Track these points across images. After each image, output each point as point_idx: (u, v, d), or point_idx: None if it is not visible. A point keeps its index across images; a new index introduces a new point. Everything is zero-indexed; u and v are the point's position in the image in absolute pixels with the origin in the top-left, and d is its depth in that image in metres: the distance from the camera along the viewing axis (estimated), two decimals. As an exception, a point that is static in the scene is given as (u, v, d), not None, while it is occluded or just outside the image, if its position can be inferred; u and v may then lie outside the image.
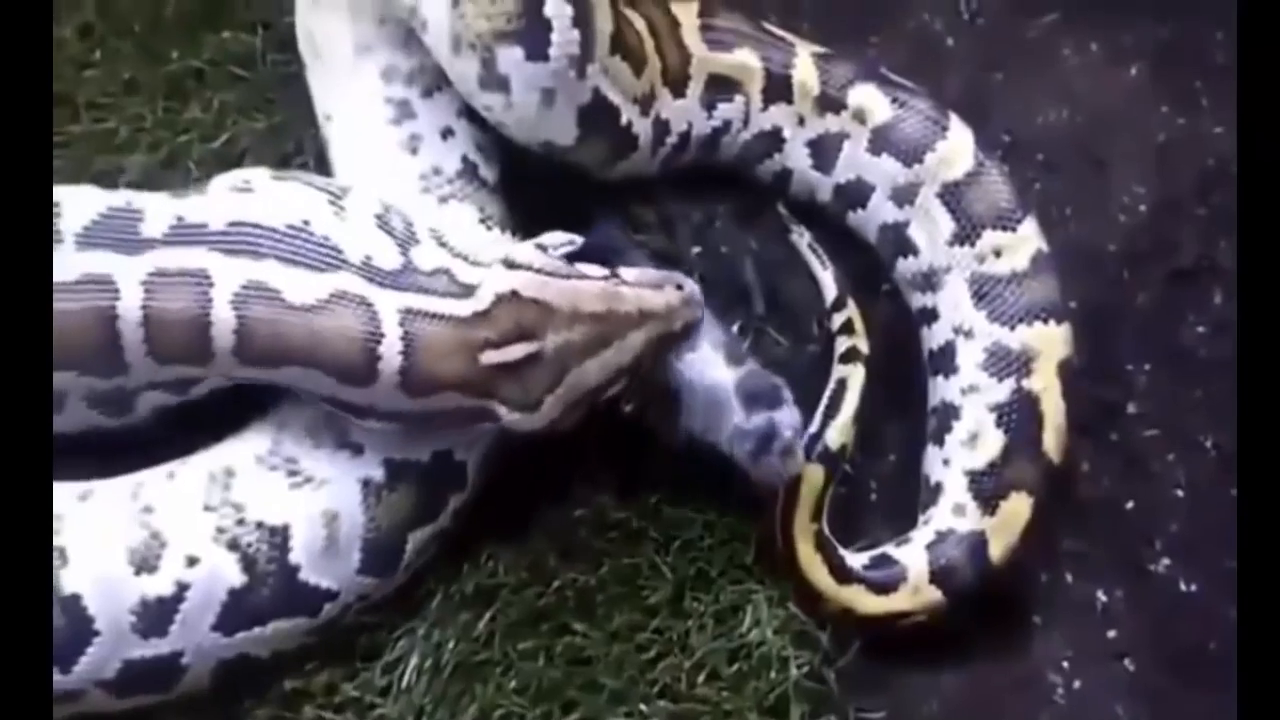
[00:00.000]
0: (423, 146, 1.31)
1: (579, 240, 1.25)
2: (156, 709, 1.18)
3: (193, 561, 1.16)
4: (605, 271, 1.21)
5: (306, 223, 1.16)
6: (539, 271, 1.18)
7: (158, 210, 1.15)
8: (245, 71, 1.42)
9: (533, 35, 1.24)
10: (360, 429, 1.20)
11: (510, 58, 1.25)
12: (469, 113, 1.33)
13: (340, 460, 1.21)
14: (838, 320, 1.44)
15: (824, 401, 1.38)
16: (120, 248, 1.13)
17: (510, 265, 1.18)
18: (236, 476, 1.20)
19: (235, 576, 1.17)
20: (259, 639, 1.18)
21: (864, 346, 1.41)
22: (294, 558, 1.18)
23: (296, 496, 1.19)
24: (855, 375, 1.39)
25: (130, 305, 1.12)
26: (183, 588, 1.15)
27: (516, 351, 1.15)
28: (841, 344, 1.42)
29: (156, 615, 1.14)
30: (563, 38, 1.25)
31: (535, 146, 1.34)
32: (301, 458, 1.21)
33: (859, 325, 1.43)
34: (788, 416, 1.26)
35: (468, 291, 1.16)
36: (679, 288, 1.21)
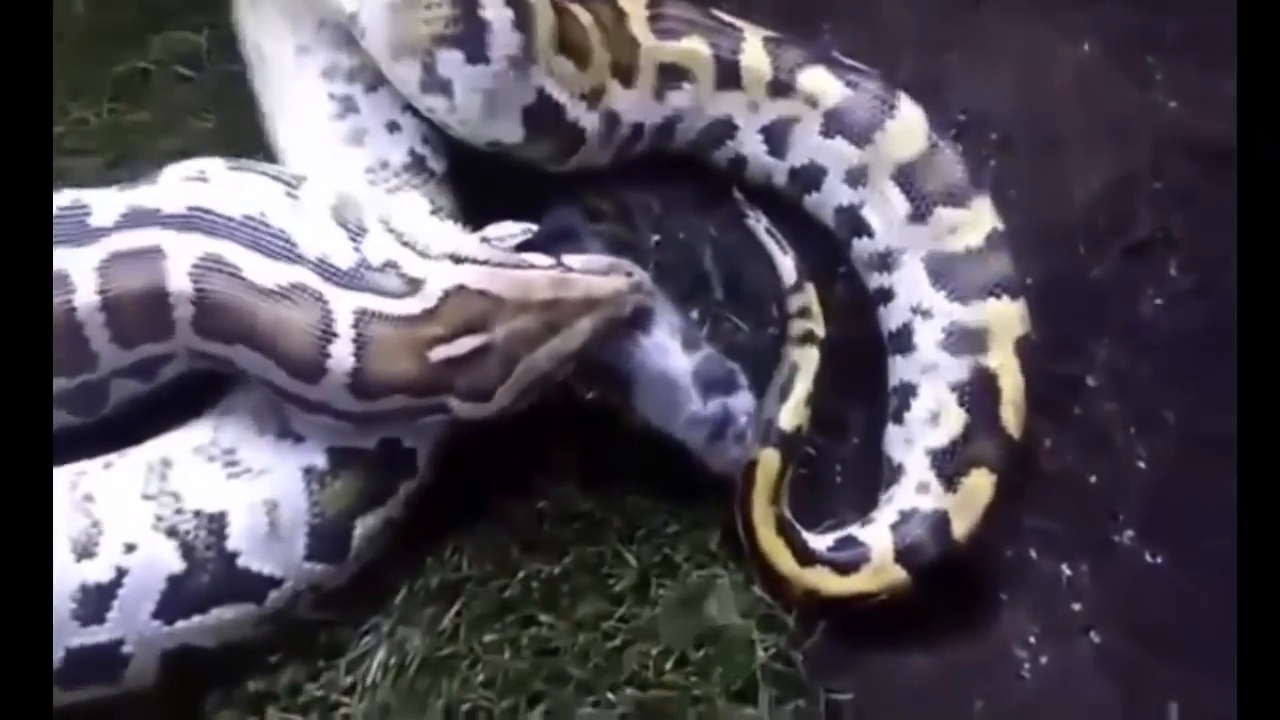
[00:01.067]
0: (368, 140, 1.30)
1: (532, 228, 1.23)
2: (116, 711, 1.16)
3: (130, 548, 1.14)
4: (552, 260, 1.20)
5: (263, 214, 1.15)
6: (485, 263, 1.17)
7: (106, 202, 1.14)
8: (191, 72, 1.40)
9: (472, 38, 1.23)
10: (306, 422, 1.19)
11: (451, 61, 1.24)
12: (414, 107, 1.30)
13: (281, 450, 1.19)
14: (794, 304, 1.43)
15: (777, 385, 1.36)
16: (70, 242, 1.11)
17: (457, 260, 1.17)
18: (174, 467, 1.18)
19: (174, 563, 1.15)
20: (202, 628, 1.16)
21: (819, 329, 1.40)
22: (232, 544, 1.16)
23: (234, 485, 1.18)
24: (808, 358, 1.38)
25: (87, 295, 1.11)
26: (121, 573, 1.13)
27: (466, 345, 1.14)
28: (796, 327, 1.41)
29: (95, 602, 1.12)
30: (502, 39, 1.24)
31: (482, 145, 1.32)
32: (240, 448, 1.20)
33: (815, 308, 1.42)
34: (743, 402, 1.26)
35: (415, 287, 1.15)
36: (627, 274, 1.20)
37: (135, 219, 1.13)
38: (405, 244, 1.17)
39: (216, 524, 1.16)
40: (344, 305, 1.12)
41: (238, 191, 1.16)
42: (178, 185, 1.16)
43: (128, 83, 1.35)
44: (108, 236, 1.12)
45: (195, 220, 1.13)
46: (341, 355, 1.12)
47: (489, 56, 1.24)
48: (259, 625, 1.18)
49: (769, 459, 1.32)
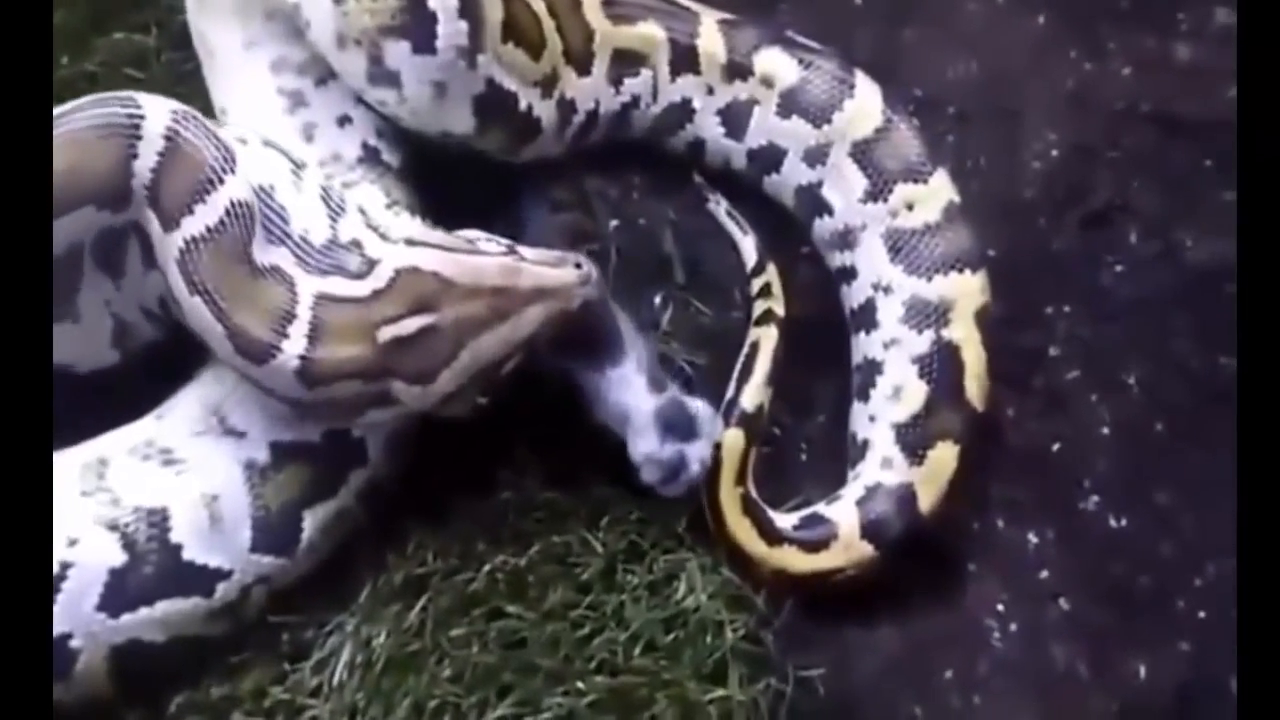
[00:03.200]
0: (319, 134, 1.23)
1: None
2: (79, 714, 1.09)
3: (73, 542, 1.09)
4: (505, 246, 1.15)
5: (272, 188, 1.12)
6: (438, 247, 1.12)
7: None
8: (139, 73, 1.32)
9: (418, 28, 1.16)
10: (248, 416, 1.14)
11: (397, 52, 1.17)
12: (365, 103, 1.23)
13: (220, 447, 1.14)
14: (756, 285, 1.37)
15: (738, 365, 1.31)
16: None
17: (411, 242, 1.12)
18: (110, 465, 1.13)
19: (114, 556, 1.09)
20: (149, 621, 1.10)
21: (779, 308, 1.34)
22: (175, 537, 1.11)
23: (173, 481, 1.12)
24: (767, 337, 1.32)
25: (154, 132, 1.06)
26: (65, 567, 1.08)
27: (413, 325, 1.09)
28: (758, 308, 1.35)
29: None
30: (449, 29, 1.17)
31: (435, 137, 1.25)
32: (178, 447, 1.14)
33: (776, 289, 1.36)
34: (699, 450, 1.21)
35: (370, 267, 1.10)
36: (578, 266, 1.14)
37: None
38: (370, 226, 1.14)
39: (157, 518, 1.11)
40: (307, 289, 1.08)
41: (262, 161, 1.13)
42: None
43: (74, 88, 1.26)
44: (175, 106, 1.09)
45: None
46: (295, 340, 1.07)
47: (436, 46, 1.17)
48: (211, 620, 1.12)
49: (733, 439, 1.26)
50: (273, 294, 1.08)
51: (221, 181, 1.08)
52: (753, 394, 1.29)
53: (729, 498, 1.25)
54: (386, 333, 1.09)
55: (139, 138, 1.07)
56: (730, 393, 1.30)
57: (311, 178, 1.16)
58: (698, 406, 1.23)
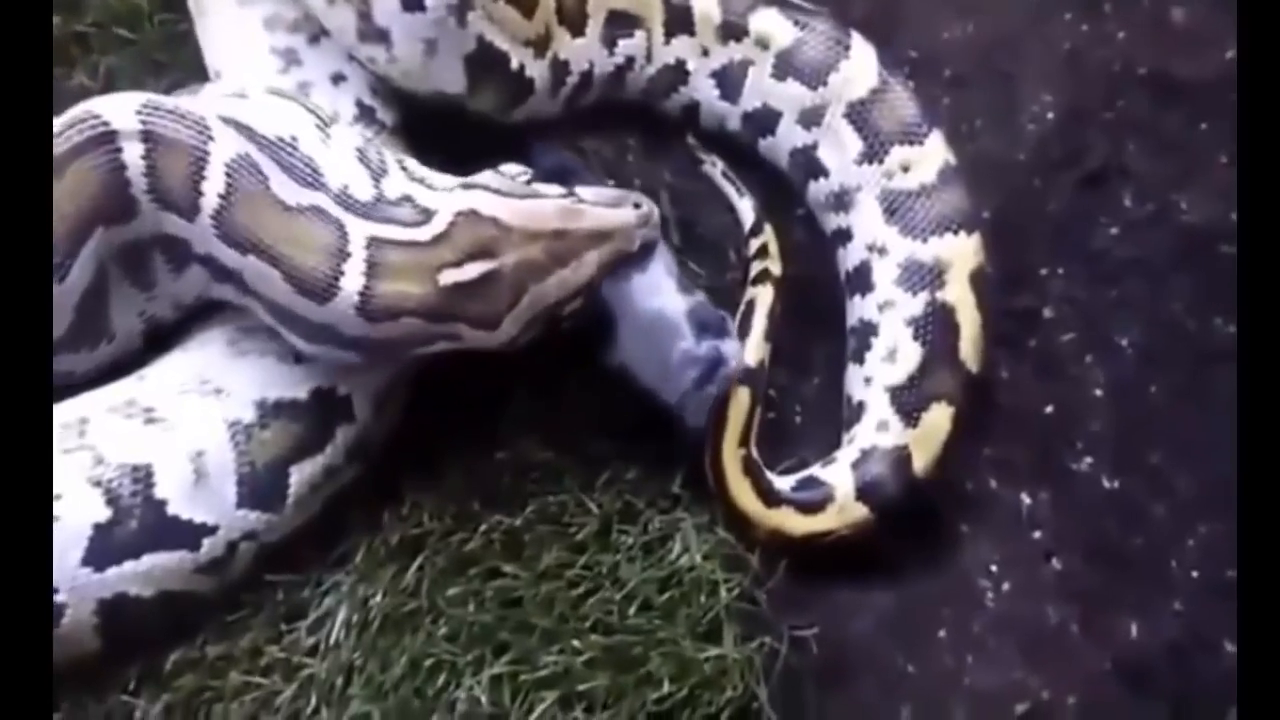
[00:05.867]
0: (313, 92, 1.22)
1: (530, 172, 1.17)
2: (74, 677, 1.09)
3: (57, 497, 1.07)
4: (563, 190, 1.14)
5: (294, 139, 1.11)
6: (496, 191, 1.12)
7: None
8: (132, 34, 1.30)
9: None
10: (307, 353, 1.12)
11: (386, 8, 1.15)
12: (358, 61, 1.21)
13: (204, 404, 1.13)
14: (753, 245, 1.35)
15: (735, 324, 1.28)
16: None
17: (468, 186, 1.12)
18: (90, 423, 1.11)
19: (99, 510, 1.08)
20: (135, 575, 1.09)
21: (775, 268, 1.33)
22: (160, 493, 1.10)
23: (157, 438, 1.11)
24: (763, 295, 1.31)
25: (131, 142, 1.05)
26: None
27: (474, 270, 1.09)
28: (754, 268, 1.33)
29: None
30: None
31: (427, 97, 1.23)
32: (160, 406, 1.13)
33: (773, 249, 1.35)
34: (733, 347, 1.20)
35: (427, 216, 1.10)
36: (637, 206, 1.14)
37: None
38: (416, 179, 1.13)
39: (141, 473, 1.10)
40: (359, 231, 1.08)
41: (274, 113, 1.12)
42: (218, 98, 1.11)
43: (65, 49, 1.24)
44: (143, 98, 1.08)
45: (233, 125, 1.08)
46: (353, 276, 1.07)
47: (425, 4, 1.15)
48: (199, 575, 1.11)
49: (741, 396, 1.24)
50: (319, 231, 1.07)
51: (209, 151, 1.07)
52: (754, 350, 1.28)
53: (731, 457, 1.24)
54: (448, 277, 1.09)
55: (118, 148, 1.06)
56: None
57: (343, 136, 1.14)
58: (725, 313, 1.22)
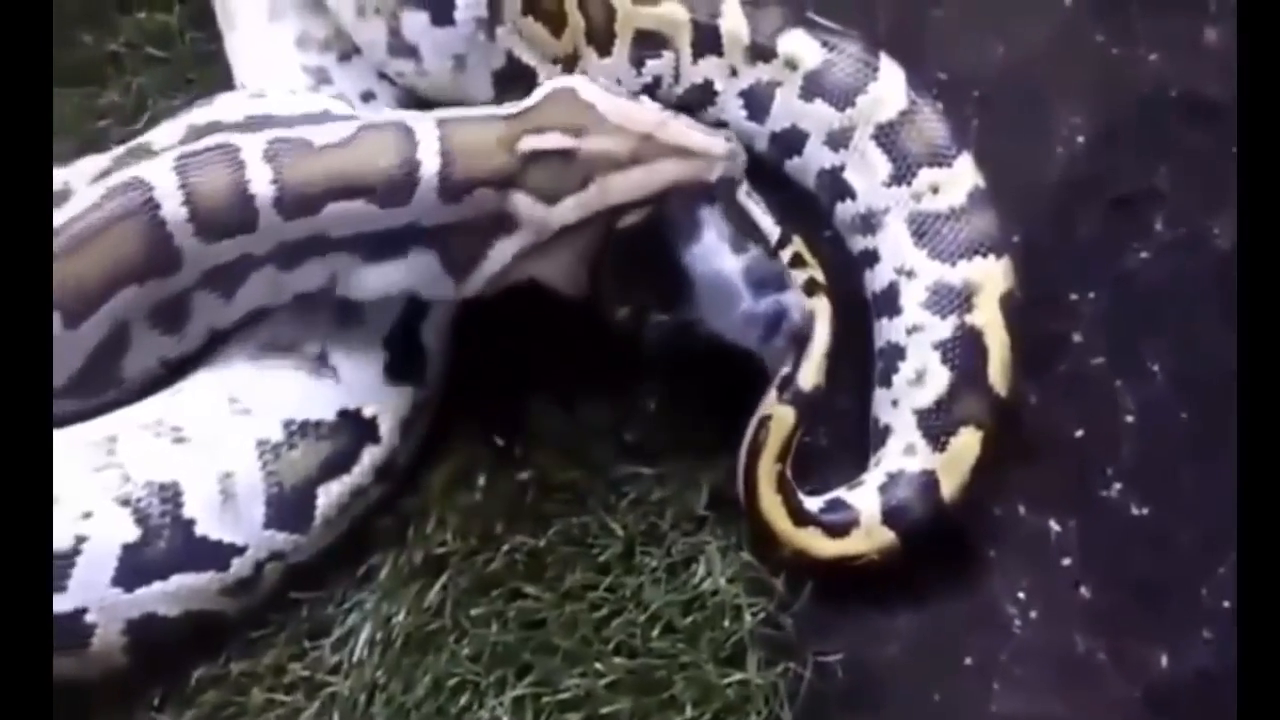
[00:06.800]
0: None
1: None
2: (97, 693, 1.10)
3: (88, 514, 1.09)
4: (661, 106, 1.17)
5: (326, 111, 1.14)
6: (604, 87, 1.16)
7: (165, 131, 1.12)
8: (163, 52, 1.32)
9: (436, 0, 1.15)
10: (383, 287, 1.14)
11: (415, 23, 1.16)
12: (387, 78, 1.24)
13: (232, 424, 1.14)
14: (786, 256, 1.31)
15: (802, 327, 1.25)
16: (138, 159, 1.09)
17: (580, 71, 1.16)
18: (119, 442, 1.12)
19: (129, 531, 1.09)
20: (163, 595, 1.10)
21: (820, 275, 1.29)
22: (188, 513, 1.10)
23: (184, 457, 1.12)
24: (821, 308, 1.27)
25: (167, 190, 1.06)
26: (80, 540, 1.08)
27: (553, 140, 1.11)
28: (798, 278, 1.29)
29: (56, 569, 1.06)
30: (469, 1, 1.15)
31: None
32: (188, 425, 1.14)
33: (809, 256, 1.31)
34: (794, 298, 1.21)
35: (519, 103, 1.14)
36: (728, 139, 1.16)
37: (197, 133, 1.10)
38: None
39: (170, 493, 1.10)
40: (425, 119, 1.11)
41: (297, 102, 1.14)
42: (234, 102, 1.14)
43: (98, 67, 1.27)
44: (175, 149, 1.08)
45: (256, 122, 1.11)
46: (429, 157, 1.10)
47: (454, 18, 1.16)
48: (225, 595, 1.12)
49: (783, 415, 1.23)
50: (380, 138, 1.09)
51: (242, 160, 1.07)
52: (810, 372, 1.24)
53: (767, 472, 1.23)
54: (528, 142, 1.11)
55: (158, 207, 1.07)
56: (786, 367, 1.24)
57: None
58: (783, 265, 1.23)
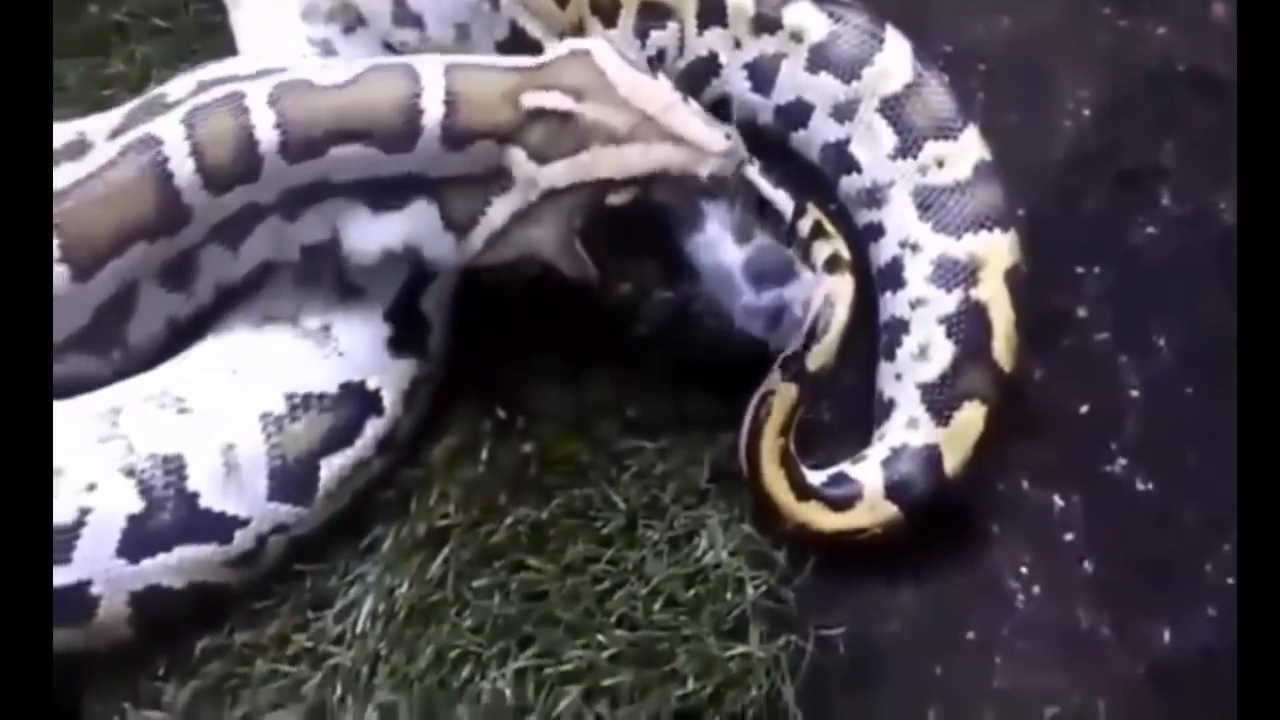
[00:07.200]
0: None
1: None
2: (101, 662, 1.11)
3: (92, 486, 1.09)
4: (676, 89, 1.14)
5: (326, 66, 1.14)
6: (620, 54, 1.14)
7: (179, 84, 1.12)
8: (167, 22, 1.32)
9: None
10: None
11: None
12: (392, 47, 1.23)
13: (236, 396, 1.14)
14: (804, 227, 1.29)
15: (809, 318, 1.22)
16: (152, 116, 1.08)
17: (603, 36, 1.16)
18: (123, 413, 1.12)
19: (133, 502, 1.09)
20: (167, 567, 1.10)
21: (844, 250, 1.25)
22: (192, 485, 1.11)
23: (188, 429, 1.12)
24: (844, 288, 1.23)
25: (176, 144, 1.06)
26: (84, 512, 1.08)
27: (556, 100, 1.10)
28: (820, 251, 1.26)
29: (60, 542, 1.07)
30: None
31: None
32: (192, 396, 1.14)
33: (830, 227, 1.28)
34: (798, 290, 1.19)
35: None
36: (728, 138, 1.14)
37: (209, 84, 1.10)
38: None
39: (174, 465, 1.11)
40: (433, 64, 1.10)
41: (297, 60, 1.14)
42: (248, 61, 1.14)
43: (103, 37, 1.26)
44: (186, 103, 1.08)
45: (269, 72, 1.10)
46: (433, 105, 1.09)
47: None
48: (229, 567, 1.13)
49: (787, 392, 1.22)
50: (386, 80, 1.08)
51: (247, 108, 1.07)
52: (819, 354, 1.22)
53: (770, 447, 1.22)
54: (531, 98, 1.10)
55: (167, 161, 1.07)
56: (794, 342, 1.22)
57: None
58: (792, 254, 1.21)
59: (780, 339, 1.19)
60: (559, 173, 1.11)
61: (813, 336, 1.22)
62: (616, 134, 1.10)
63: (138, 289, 1.13)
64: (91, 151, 1.08)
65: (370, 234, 1.14)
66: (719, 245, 1.18)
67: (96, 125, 1.13)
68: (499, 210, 1.13)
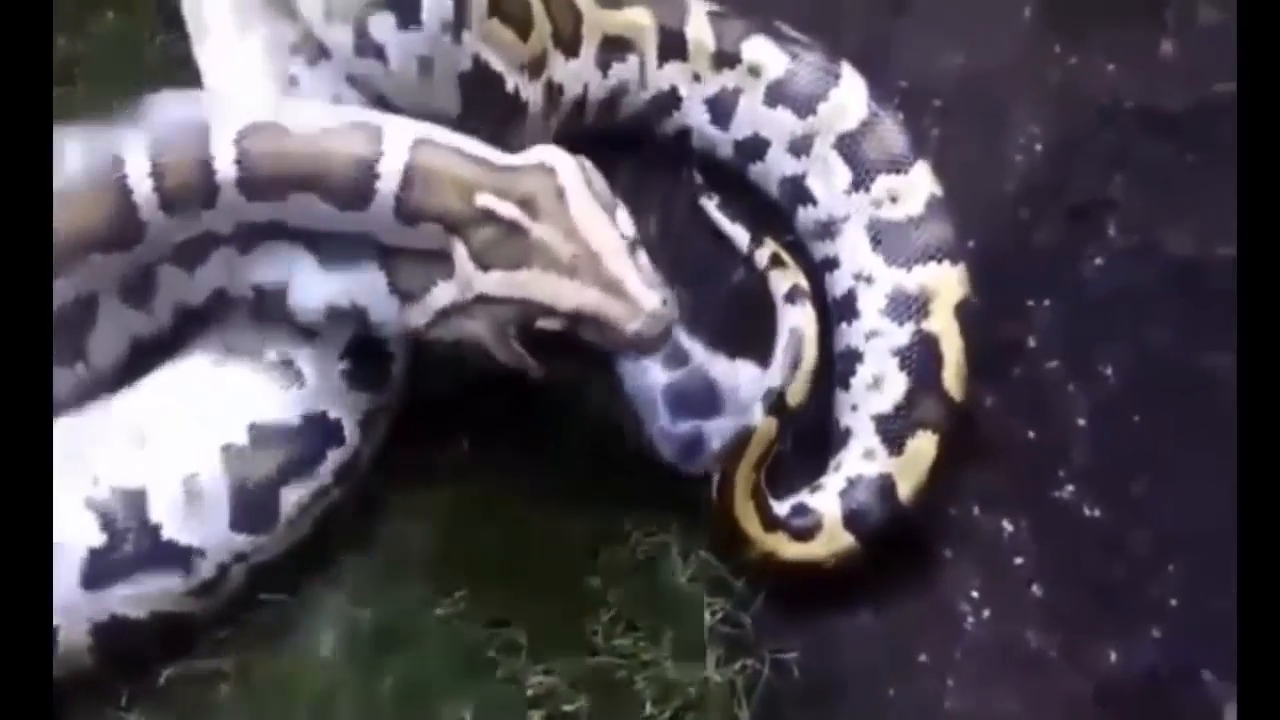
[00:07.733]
0: None
1: None
2: (67, 695, 1.10)
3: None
4: (633, 236, 1.12)
5: (297, 110, 1.13)
6: (590, 185, 1.12)
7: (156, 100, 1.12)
8: (133, 55, 1.33)
9: (404, 2, 1.15)
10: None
11: (382, 25, 1.16)
12: (354, 80, 1.23)
13: (195, 425, 1.15)
14: (763, 257, 1.36)
15: (779, 353, 1.27)
16: (120, 128, 1.10)
17: (573, 155, 1.12)
18: (85, 444, 1.13)
19: (94, 535, 1.10)
20: (129, 598, 1.11)
21: (802, 280, 1.32)
22: (154, 517, 1.11)
23: (150, 460, 1.13)
24: (808, 323, 1.29)
25: (138, 162, 1.08)
26: None
27: (508, 210, 1.09)
28: (778, 281, 1.32)
29: None
30: (435, 3, 1.16)
31: (421, 116, 1.22)
32: (152, 427, 1.15)
33: (787, 258, 1.35)
34: (719, 425, 1.20)
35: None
36: (664, 303, 1.09)
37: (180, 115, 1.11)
38: None
39: (136, 497, 1.11)
40: (401, 130, 1.10)
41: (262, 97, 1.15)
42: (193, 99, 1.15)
43: (67, 69, 1.28)
44: (151, 123, 1.10)
45: (248, 108, 1.11)
46: (390, 172, 1.09)
47: (421, 20, 1.16)
48: (191, 597, 1.13)
49: (767, 427, 1.24)
50: (352, 138, 1.09)
51: (208, 139, 1.08)
52: (798, 389, 1.27)
53: (744, 479, 1.25)
54: (486, 200, 1.10)
55: (127, 176, 1.08)
56: (771, 378, 1.25)
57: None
58: (734, 375, 1.22)
59: (694, 468, 1.21)
60: (494, 282, 1.10)
61: (795, 369, 1.26)
62: (558, 262, 1.08)
63: (97, 301, 1.13)
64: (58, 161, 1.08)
65: (317, 288, 1.15)
66: (646, 368, 1.20)
67: (70, 133, 1.12)
68: (443, 293, 1.13)
